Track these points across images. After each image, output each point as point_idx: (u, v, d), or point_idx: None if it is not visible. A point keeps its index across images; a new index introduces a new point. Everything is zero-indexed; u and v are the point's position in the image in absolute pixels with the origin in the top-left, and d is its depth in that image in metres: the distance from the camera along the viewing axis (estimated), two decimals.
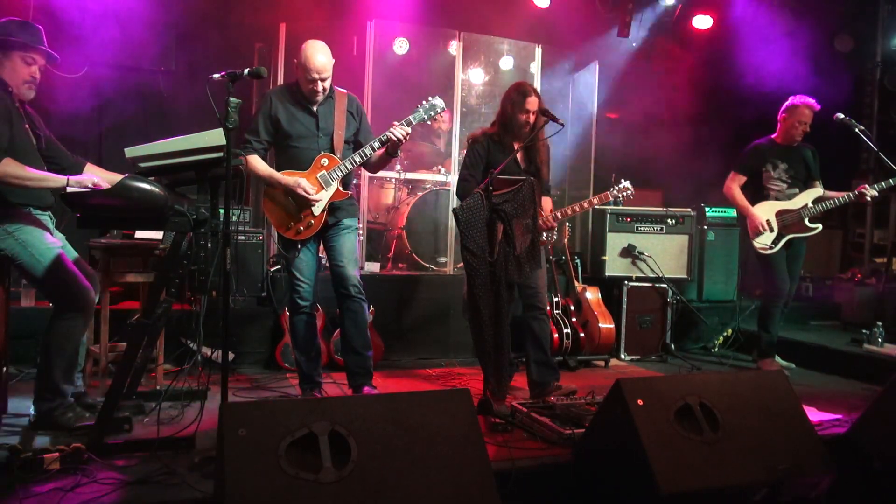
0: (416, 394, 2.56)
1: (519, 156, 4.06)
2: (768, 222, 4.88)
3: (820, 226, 4.94)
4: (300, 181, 3.68)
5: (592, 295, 5.29)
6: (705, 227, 6.12)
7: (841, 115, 4.82)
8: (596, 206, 4.61)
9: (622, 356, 5.48)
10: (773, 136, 5.04)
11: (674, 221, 5.73)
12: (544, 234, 4.23)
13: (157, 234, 4.14)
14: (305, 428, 2.25)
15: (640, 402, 2.71)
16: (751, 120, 6.34)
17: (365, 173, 5.67)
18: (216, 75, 2.88)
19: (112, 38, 5.43)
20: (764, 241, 4.89)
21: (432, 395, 2.59)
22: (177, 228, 2.94)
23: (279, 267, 4.88)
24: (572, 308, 5.23)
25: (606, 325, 5.15)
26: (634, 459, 2.61)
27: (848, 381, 4.91)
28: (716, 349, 5.85)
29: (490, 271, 3.58)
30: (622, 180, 4.58)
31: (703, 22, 7.16)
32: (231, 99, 2.79)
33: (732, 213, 6.04)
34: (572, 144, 6.72)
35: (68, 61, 4.46)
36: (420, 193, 5.84)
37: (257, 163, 3.74)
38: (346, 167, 3.75)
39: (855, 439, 3.22)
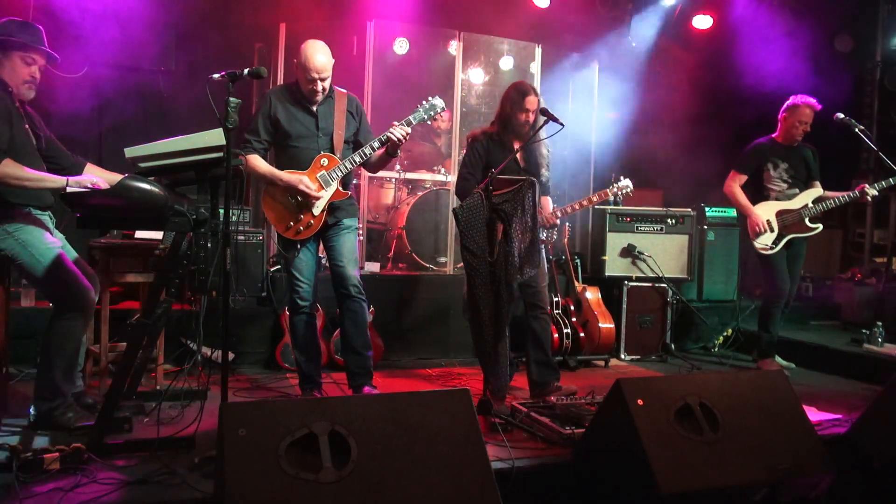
0: (416, 394, 2.56)
1: (519, 155, 4.06)
2: (768, 222, 4.88)
3: (820, 226, 4.94)
4: (302, 178, 3.68)
5: (592, 295, 5.29)
6: (705, 227, 6.12)
7: (841, 115, 4.83)
8: (596, 206, 4.61)
9: (622, 356, 5.48)
10: (773, 135, 5.04)
11: (674, 221, 5.73)
12: (544, 234, 4.24)
13: (157, 234, 4.14)
14: (305, 428, 2.25)
15: (640, 402, 2.71)
16: (751, 120, 6.34)
17: (365, 173, 5.67)
18: (216, 75, 2.88)
19: (112, 38, 5.43)
20: (764, 242, 4.89)
21: (432, 395, 2.58)
22: (177, 228, 2.94)
23: (279, 267, 4.88)
24: (572, 308, 5.23)
25: (606, 325, 5.15)
26: (634, 459, 2.61)
27: (848, 381, 4.91)
28: (716, 349, 5.85)
29: (490, 271, 3.58)
30: (621, 178, 4.58)
31: (703, 22, 7.16)
32: (231, 99, 2.79)
33: (732, 213, 6.04)
34: (572, 144, 6.71)
35: (68, 61, 4.46)
36: (420, 193, 5.84)
37: (258, 162, 3.74)
38: (346, 167, 3.75)
39: (855, 439, 3.22)
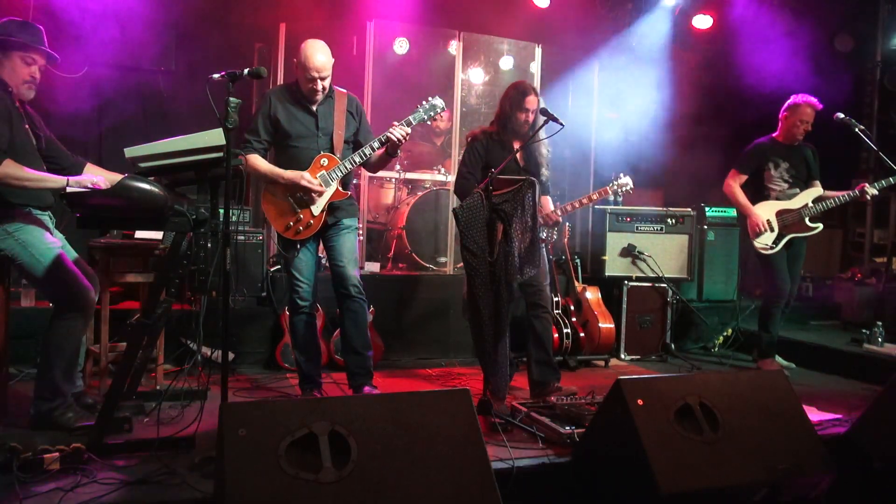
0: (416, 394, 2.56)
1: (518, 155, 4.06)
2: (768, 222, 4.88)
3: (820, 225, 4.93)
4: (303, 173, 3.68)
5: (592, 295, 5.29)
6: (705, 227, 6.12)
7: (841, 115, 4.82)
8: (596, 207, 4.61)
9: (622, 356, 5.48)
10: (774, 134, 5.04)
11: (674, 221, 5.73)
12: (545, 233, 4.24)
13: (157, 234, 4.14)
14: (305, 428, 2.25)
15: (640, 402, 2.71)
16: (751, 120, 6.34)
17: (365, 173, 5.67)
18: (216, 75, 2.88)
19: (112, 38, 5.43)
20: (764, 241, 4.89)
21: (432, 395, 2.58)
22: (177, 228, 2.94)
23: (279, 267, 4.88)
24: (572, 308, 5.23)
25: (606, 324, 5.14)
26: (634, 459, 2.61)
27: (848, 381, 4.91)
28: (716, 349, 5.85)
29: (490, 271, 3.58)
30: (621, 175, 4.59)
31: (703, 22, 7.16)
32: (231, 99, 2.79)
33: (732, 212, 6.04)
34: (572, 144, 6.71)
35: (68, 61, 4.45)
36: (420, 193, 5.84)
37: (258, 161, 3.74)
38: (346, 167, 3.75)
39: (855, 439, 3.22)
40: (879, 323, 5.24)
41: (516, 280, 3.62)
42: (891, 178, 4.79)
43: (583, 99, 6.79)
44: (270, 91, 3.94)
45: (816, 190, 4.97)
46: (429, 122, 4.14)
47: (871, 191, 4.84)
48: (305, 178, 3.67)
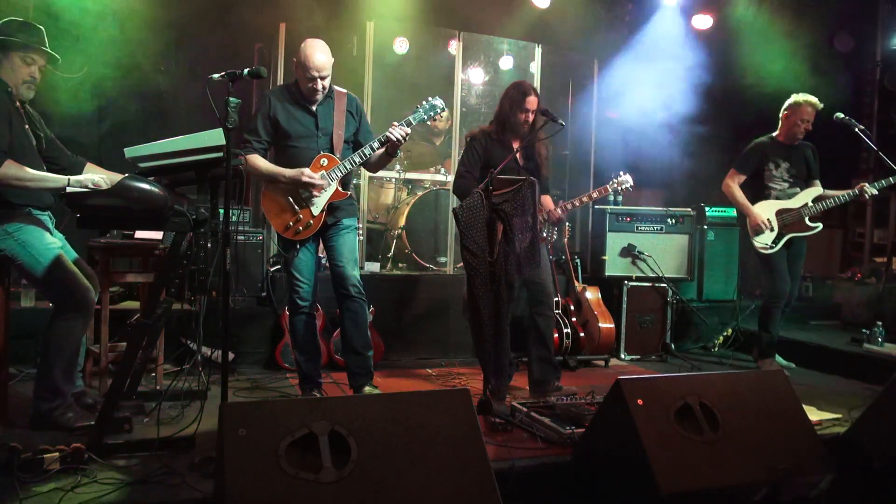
0: (416, 394, 2.56)
1: (518, 155, 4.06)
2: (768, 221, 4.88)
3: (820, 225, 4.93)
4: (304, 169, 3.68)
5: (592, 295, 5.29)
6: (705, 227, 6.12)
7: (841, 115, 4.82)
8: (596, 206, 4.61)
9: (622, 356, 5.48)
10: (774, 133, 5.04)
11: (674, 221, 5.73)
12: (545, 232, 4.24)
13: (157, 234, 4.14)
14: (305, 428, 2.24)
15: (640, 402, 2.71)
16: (751, 120, 6.34)
17: (365, 173, 5.67)
18: (216, 75, 2.88)
19: (112, 38, 5.43)
20: (764, 241, 4.89)
21: (432, 395, 2.58)
22: (177, 228, 2.94)
23: (279, 267, 4.89)
24: (572, 308, 5.23)
25: (606, 324, 5.15)
26: (634, 459, 2.61)
27: (848, 381, 4.91)
28: (716, 349, 5.85)
29: (490, 271, 3.58)
30: (621, 173, 4.58)
31: (703, 22, 7.16)
32: (231, 99, 2.79)
33: (732, 212, 6.04)
34: (572, 144, 6.72)
35: (68, 61, 4.45)
36: (420, 193, 5.85)
37: (258, 161, 3.74)
38: (346, 167, 3.75)
39: (855, 439, 3.22)
40: (879, 323, 5.24)
41: (516, 280, 3.62)
42: (891, 178, 4.78)
43: (583, 99, 6.79)
44: (270, 91, 3.94)
45: (816, 189, 4.97)
46: (428, 123, 4.13)
47: (871, 190, 4.84)
48: (306, 173, 3.67)
